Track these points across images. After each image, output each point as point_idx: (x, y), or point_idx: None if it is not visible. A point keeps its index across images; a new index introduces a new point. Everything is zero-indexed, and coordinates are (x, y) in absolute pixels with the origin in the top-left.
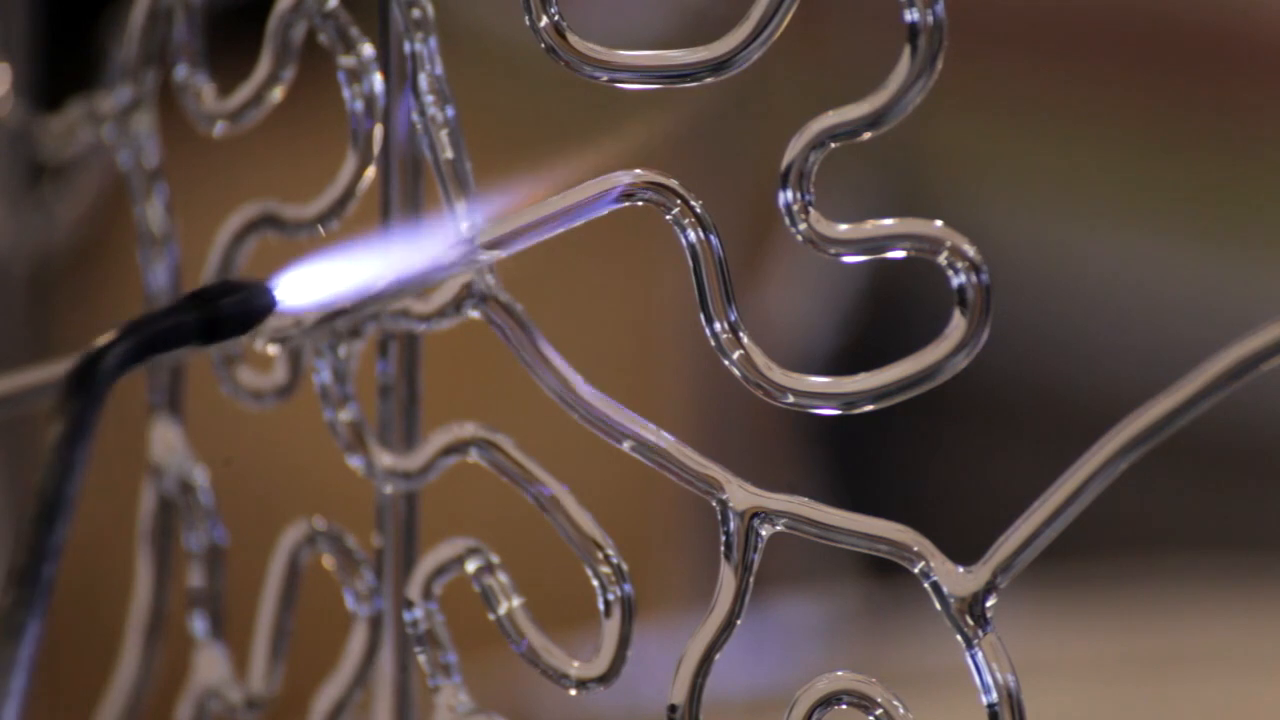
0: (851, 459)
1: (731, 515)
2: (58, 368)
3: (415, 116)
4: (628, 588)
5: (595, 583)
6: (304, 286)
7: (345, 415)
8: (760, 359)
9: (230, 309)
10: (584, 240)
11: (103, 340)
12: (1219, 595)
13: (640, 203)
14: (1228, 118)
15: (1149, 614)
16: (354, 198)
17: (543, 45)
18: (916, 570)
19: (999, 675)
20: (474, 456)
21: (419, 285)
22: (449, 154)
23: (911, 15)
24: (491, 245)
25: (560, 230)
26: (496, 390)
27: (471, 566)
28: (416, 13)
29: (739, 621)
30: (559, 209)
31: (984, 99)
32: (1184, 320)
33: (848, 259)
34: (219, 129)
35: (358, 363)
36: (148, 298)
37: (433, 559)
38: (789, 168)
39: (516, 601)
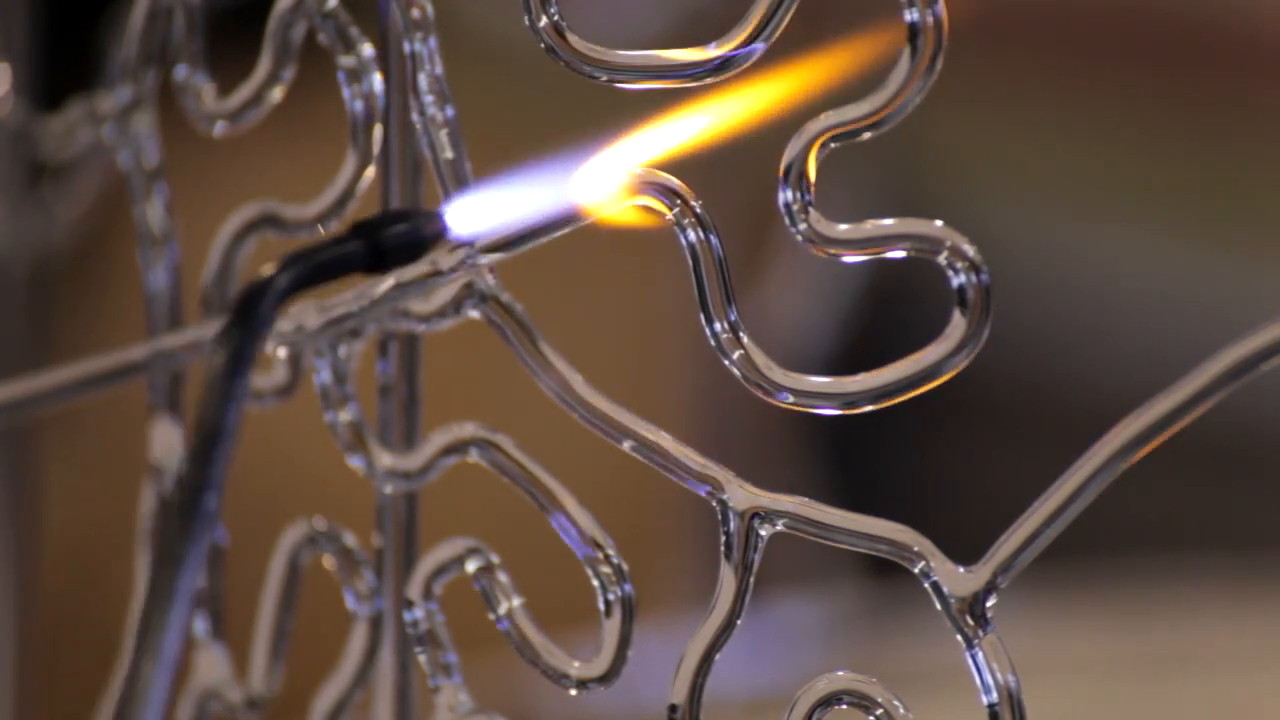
0: (851, 459)
1: (731, 515)
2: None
3: (415, 116)
4: (628, 588)
5: (595, 583)
6: (472, 214)
7: (345, 415)
8: (760, 359)
9: (397, 237)
10: (584, 240)
11: (266, 270)
12: (1219, 595)
13: (640, 203)
14: (1228, 118)
15: (1149, 614)
16: (354, 198)
17: (543, 45)
18: (916, 570)
19: (999, 675)
20: (474, 456)
21: (418, 290)
22: (449, 154)
23: (911, 15)
24: (493, 248)
25: (561, 232)
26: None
27: (471, 566)
28: (416, 13)
29: (739, 621)
30: (561, 211)
31: (984, 99)
32: (1184, 320)
33: (848, 259)
34: (219, 129)
35: (358, 363)
36: (148, 298)
37: (433, 559)
38: (789, 168)
39: (516, 601)
